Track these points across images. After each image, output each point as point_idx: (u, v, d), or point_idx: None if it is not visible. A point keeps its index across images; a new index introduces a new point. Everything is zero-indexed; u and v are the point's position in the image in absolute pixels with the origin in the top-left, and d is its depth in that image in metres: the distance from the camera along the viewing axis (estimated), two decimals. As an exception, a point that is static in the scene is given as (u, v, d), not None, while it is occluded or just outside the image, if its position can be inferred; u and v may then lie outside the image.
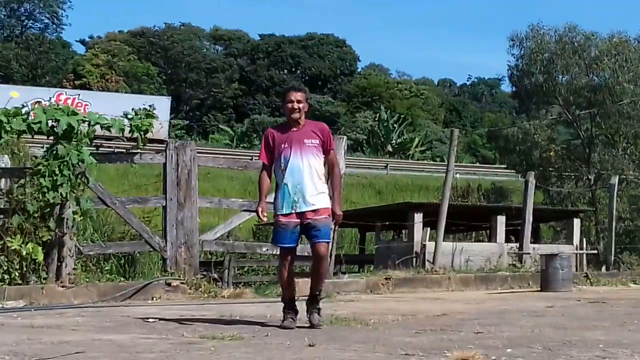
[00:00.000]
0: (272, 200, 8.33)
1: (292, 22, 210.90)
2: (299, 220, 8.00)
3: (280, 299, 8.48)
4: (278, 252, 8.59)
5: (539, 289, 14.18)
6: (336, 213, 8.14)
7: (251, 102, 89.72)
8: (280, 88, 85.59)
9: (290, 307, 8.22)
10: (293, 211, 7.99)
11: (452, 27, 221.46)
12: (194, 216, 12.99)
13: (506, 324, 8.54)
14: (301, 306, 8.27)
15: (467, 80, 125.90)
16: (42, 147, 12.42)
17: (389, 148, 72.40)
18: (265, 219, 8.25)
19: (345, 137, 14.82)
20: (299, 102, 8.10)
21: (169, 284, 11.98)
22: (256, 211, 8.35)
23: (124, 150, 13.00)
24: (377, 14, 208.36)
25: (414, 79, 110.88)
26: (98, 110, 12.22)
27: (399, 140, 73.86)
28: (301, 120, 8.14)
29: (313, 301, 8.20)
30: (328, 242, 8.15)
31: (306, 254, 8.73)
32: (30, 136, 11.92)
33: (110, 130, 12.11)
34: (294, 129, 8.11)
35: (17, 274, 11.21)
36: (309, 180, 7.99)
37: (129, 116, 12.27)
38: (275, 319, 8.74)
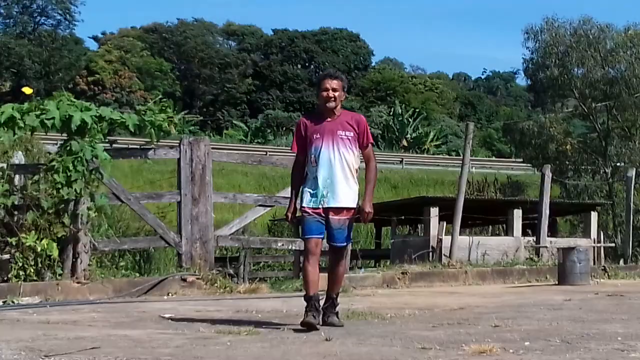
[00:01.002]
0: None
1: (306, 17, 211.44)
2: (324, 215, 7.54)
3: (302, 296, 7.77)
4: (300, 247, 8.25)
5: (557, 282, 14.12)
6: (365, 210, 7.65)
7: (265, 97, 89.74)
8: (294, 83, 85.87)
9: (313, 307, 7.55)
10: (321, 206, 7.54)
11: (467, 20, 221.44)
12: (208, 211, 12.95)
13: (524, 318, 8.49)
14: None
15: (482, 74, 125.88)
16: (56, 144, 12.40)
17: (404, 142, 72.36)
18: (291, 223, 8.03)
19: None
20: (334, 90, 7.60)
21: (184, 280, 11.96)
22: (286, 216, 7.97)
23: (138, 146, 12.99)
24: (390, 8, 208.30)
25: (428, 73, 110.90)
26: None
27: (414, 135, 73.81)
28: (336, 110, 7.67)
29: (330, 305, 7.74)
30: (347, 245, 7.84)
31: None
32: (44, 132, 11.90)
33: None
34: (329, 119, 7.64)
35: (32, 270, 11.20)
36: (341, 174, 7.53)
37: (142, 112, 12.24)
38: (291, 313, 8.71)
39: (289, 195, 7.94)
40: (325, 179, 7.52)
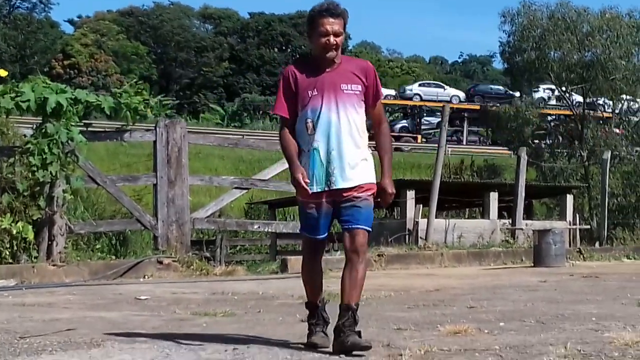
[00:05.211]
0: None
1: (282, 0, 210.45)
2: (332, 199, 5.43)
3: (305, 303, 5.83)
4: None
5: (532, 264, 14.16)
6: (387, 191, 5.59)
7: (242, 81, 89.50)
8: (271, 67, 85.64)
9: (317, 315, 5.63)
10: (327, 188, 5.39)
11: (443, 3, 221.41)
12: (184, 194, 12.92)
13: (499, 299, 8.53)
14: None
15: (459, 58, 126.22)
16: (32, 127, 12.32)
17: (381, 126, 72.37)
18: (308, 188, 5.27)
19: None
20: (336, 35, 5.38)
21: (160, 262, 11.93)
22: (295, 179, 5.31)
23: (114, 129, 12.94)
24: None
25: (405, 56, 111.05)
26: None
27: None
28: (337, 58, 5.47)
29: (348, 321, 5.38)
30: (369, 231, 5.55)
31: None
32: (19, 115, 11.83)
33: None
34: (327, 69, 5.44)
35: (7, 253, 11.15)
36: (349, 143, 5.40)
37: (118, 94, 12.18)
38: (267, 295, 8.72)
39: (289, 164, 5.47)
40: (330, 150, 5.39)
